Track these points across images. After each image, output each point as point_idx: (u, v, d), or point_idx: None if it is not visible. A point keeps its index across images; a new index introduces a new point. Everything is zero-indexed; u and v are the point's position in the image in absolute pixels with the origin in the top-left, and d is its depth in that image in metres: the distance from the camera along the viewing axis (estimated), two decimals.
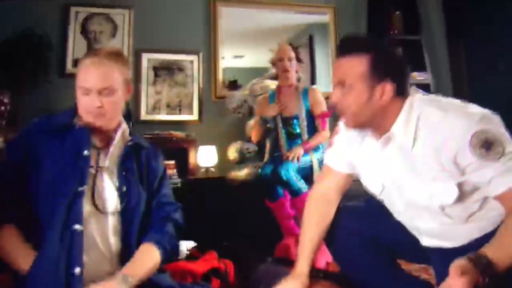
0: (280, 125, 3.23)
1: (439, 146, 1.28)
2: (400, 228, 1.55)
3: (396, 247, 1.63)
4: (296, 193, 2.86)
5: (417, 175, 1.36)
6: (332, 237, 1.62)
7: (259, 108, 3.39)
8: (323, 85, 4.23)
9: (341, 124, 1.61)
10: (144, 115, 4.04)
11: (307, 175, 3.03)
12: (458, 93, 4.36)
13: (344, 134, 1.60)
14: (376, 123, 1.40)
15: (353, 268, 1.65)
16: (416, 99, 1.38)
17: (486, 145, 1.21)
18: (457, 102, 1.35)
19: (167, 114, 4.12)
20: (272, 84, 3.73)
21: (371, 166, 1.51)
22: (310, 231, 1.60)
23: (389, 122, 1.38)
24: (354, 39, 1.44)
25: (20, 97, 3.52)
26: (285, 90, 3.25)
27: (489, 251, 1.17)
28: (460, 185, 1.30)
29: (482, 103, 1.33)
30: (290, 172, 2.86)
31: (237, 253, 2.52)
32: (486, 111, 1.29)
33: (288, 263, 2.76)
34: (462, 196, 1.32)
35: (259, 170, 3.08)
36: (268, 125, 3.22)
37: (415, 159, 1.35)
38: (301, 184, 2.88)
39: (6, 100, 3.34)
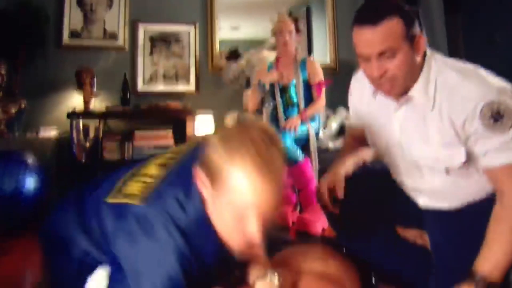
0: (278, 93, 3.24)
1: (453, 109, 1.27)
2: (396, 194, 1.57)
3: (393, 213, 1.64)
4: (292, 163, 2.89)
5: (428, 138, 1.36)
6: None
7: (257, 76, 3.38)
8: (320, 56, 4.25)
9: (353, 82, 1.63)
10: (141, 86, 4.04)
11: (304, 145, 3.07)
12: None
13: (356, 91, 1.61)
14: None
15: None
16: (435, 60, 1.36)
17: (496, 117, 1.20)
18: (478, 69, 1.32)
19: (164, 85, 4.12)
20: (269, 55, 3.72)
21: (379, 124, 1.51)
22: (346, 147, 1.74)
23: (409, 81, 1.35)
24: (376, 6, 1.32)
25: (16, 69, 3.53)
26: (283, 61, 3.27)
27: (481, 266, 1.21)
28: (468, 151, 1.30)
29: None
30: (287, 142, 2.89)
31: None
32: (506, 84, 1.27)
33: (284, 230, 2.83)
34: (469, 161, 1.31)
35: None
36: (265, 92, 3.24)
37: (429, 122, 1.34)
38: (298, 154, 2.92)
39: (2, 72, 3.35)
